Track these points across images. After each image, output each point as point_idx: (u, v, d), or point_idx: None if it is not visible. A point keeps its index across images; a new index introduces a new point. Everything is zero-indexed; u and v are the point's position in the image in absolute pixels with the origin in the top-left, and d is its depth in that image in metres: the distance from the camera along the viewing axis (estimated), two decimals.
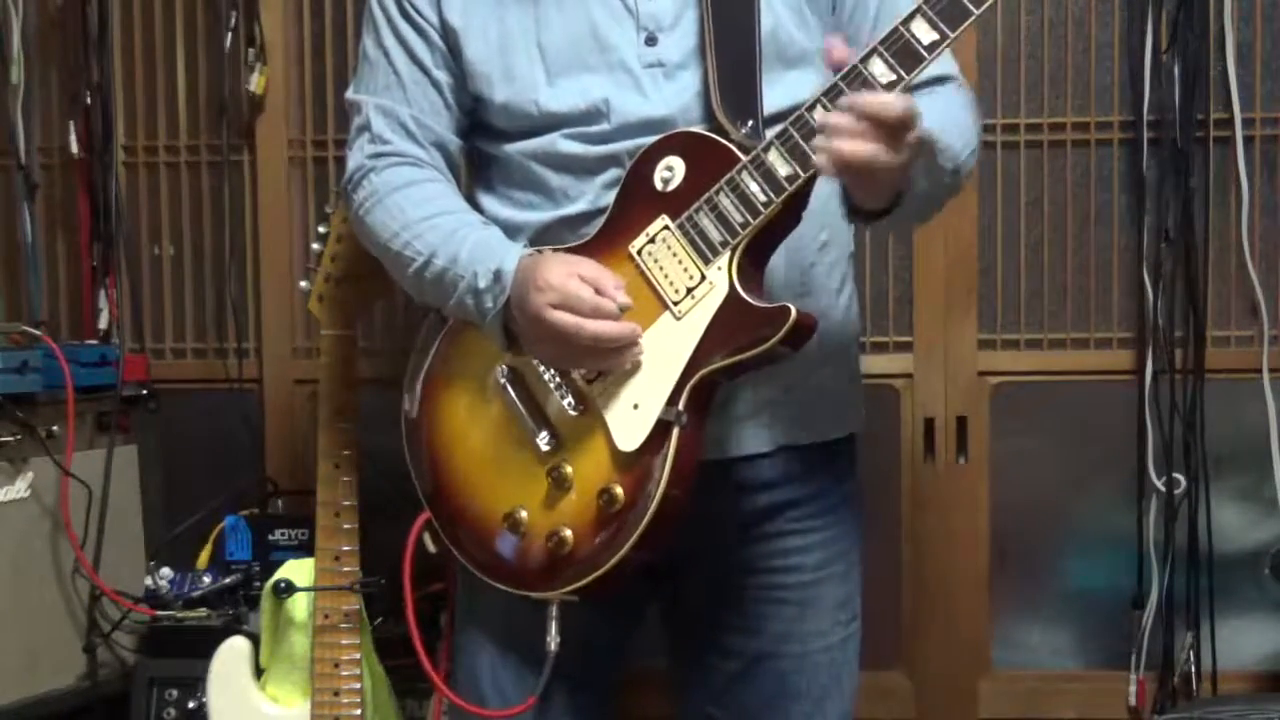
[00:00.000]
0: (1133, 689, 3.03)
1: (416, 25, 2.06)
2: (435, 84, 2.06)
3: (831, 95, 1.81)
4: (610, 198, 1.95)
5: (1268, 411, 2.97)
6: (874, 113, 1.73)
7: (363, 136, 2.10)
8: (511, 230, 2.03)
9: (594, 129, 1.98)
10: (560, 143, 1.99)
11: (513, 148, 2.04)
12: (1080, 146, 3.05)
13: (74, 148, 3.22)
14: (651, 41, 1.98)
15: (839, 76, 1.81)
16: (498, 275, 1.92)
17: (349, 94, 2.15)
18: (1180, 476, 3.00)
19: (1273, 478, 2.97)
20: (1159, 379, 3.00)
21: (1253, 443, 3.00)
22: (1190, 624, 3.01)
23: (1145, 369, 3.00)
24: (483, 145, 2.11)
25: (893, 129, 1.74)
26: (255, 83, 3.16)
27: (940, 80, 2.06)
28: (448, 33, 2.04)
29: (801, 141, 1.81)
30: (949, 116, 1.98)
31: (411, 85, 2.06)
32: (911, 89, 1.97)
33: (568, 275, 1.86)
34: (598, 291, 1.86)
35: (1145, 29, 2.96)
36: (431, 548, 2.08)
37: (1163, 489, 3.00)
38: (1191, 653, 3.00)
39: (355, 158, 2.10)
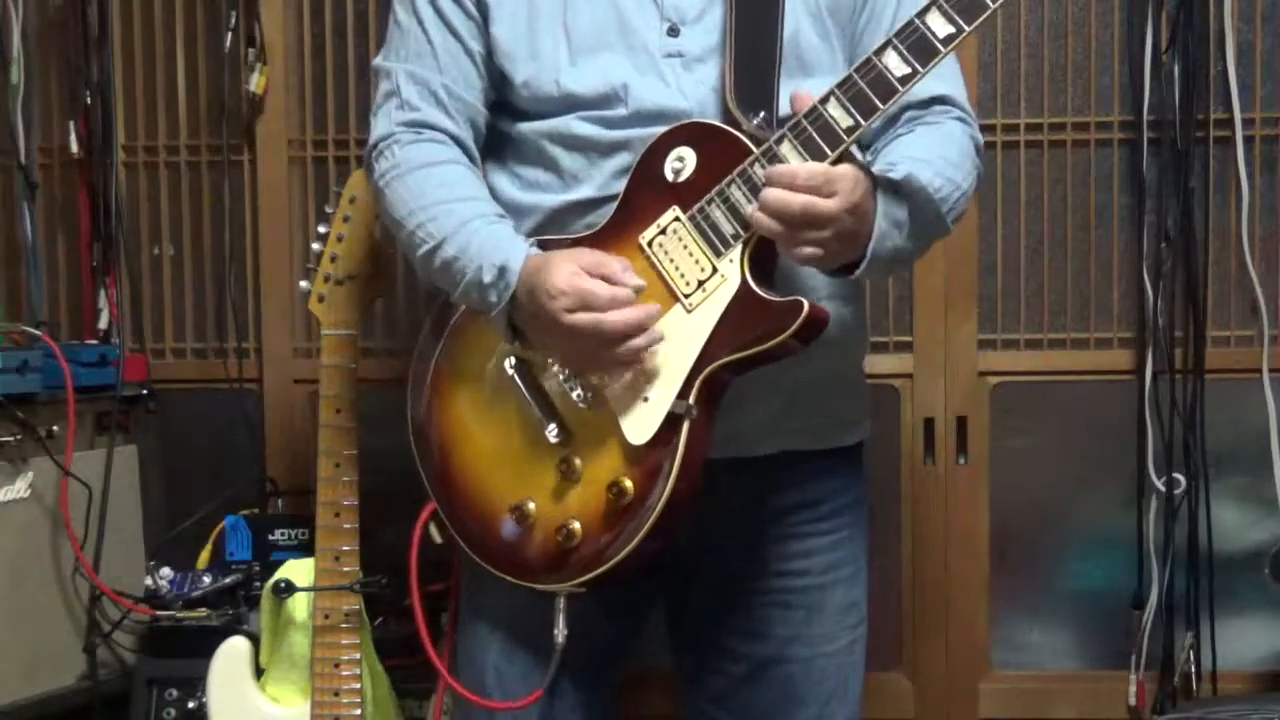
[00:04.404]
0: (1133, 689, 3.03)
1: None
2: (469, 53, 2.06)
3: (845, 89, 1.82)
4: (620, 186, 1.95)
5: (1268, 411, 2.98)
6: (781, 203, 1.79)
7: (390, 102, 2.09)
8: (522, 213, 2.04)
9: (610, 113, 1.98)
10: (575, 124, 2.00)
11: (528, 126, 2.04)
12: (1080, 146, 3.06)
13: (74, 148, 3.21)
14: (674, 32, 1.99)
15: (854, 69, 1.82)
16: (502, 271, 1.92)
17: (376, 61, 2.14)
18: (1180, 476, 3.00)
19: (1273, 478, 2.97)
20: (1159, 379, 3.00)
21: (1253, 443, 3.00)
22: (1190, 624, 3.01)
23: (1145, 369, 3.00)
24: (499, 124, 2.10)
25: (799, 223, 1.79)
26: (255, 83, 3.15)
27: (943, 103, 2.06)
28: (480, 5, 2.05)
29: (815, 134, 1.81)
30: (936, 152, 1.98)
31: (444, 54, 2.06)
32: (913, 109, 1.99)
33: (573, 274, 1.85)
34: (607, 279, 1.86)
35: (1145, 29, 2.96)
36: (438, 538, 2.08)
37: (1163, 489, 3.00)
38: (1191, 653, 3.00)
39: (381, 125, 2.09)
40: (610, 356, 1.87)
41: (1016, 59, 3.06)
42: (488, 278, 1.93)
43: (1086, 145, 3.05)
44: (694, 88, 1.97)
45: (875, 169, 1.92)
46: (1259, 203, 3.01)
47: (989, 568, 3.09)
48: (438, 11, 2.07)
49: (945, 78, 2.01)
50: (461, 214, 1.99)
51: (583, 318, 1.84)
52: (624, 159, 1.97)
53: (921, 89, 1.91)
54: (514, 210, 2.04)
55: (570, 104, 2.00)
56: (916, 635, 3.10)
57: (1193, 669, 3.01)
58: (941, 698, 3.10)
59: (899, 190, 1.89)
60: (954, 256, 3.04)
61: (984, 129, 2.93)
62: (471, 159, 2.08)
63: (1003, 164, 3.07)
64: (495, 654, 2.13)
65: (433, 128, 2.06)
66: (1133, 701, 3.03)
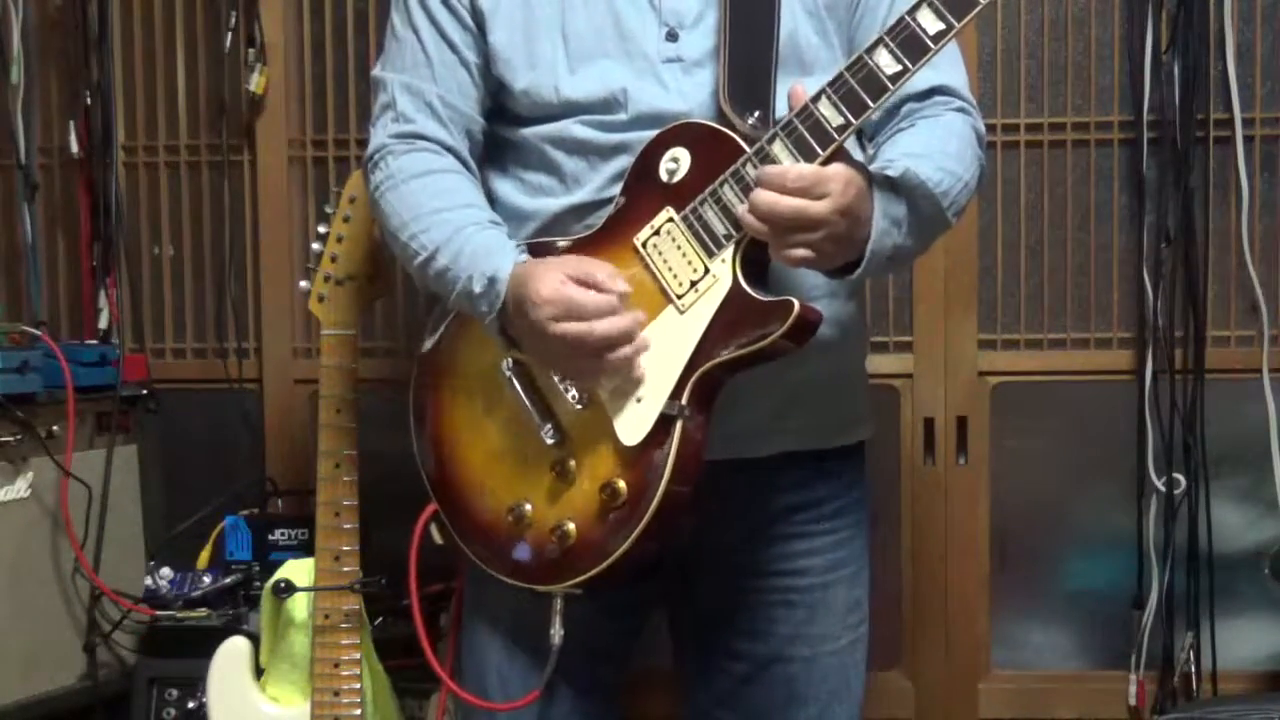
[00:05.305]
0: (1133, 689, 3.03)
1: (449, 4, 2.06)
2: (465, 64, 2.06)
3: (837, 87, 1.81)
4: (618, 189, 1.95)
5: (1268, 411, 2.97)
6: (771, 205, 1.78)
7: (386, 114, 2.09)
8: (522, 218, 2.04)
9: (610, 118, 1.98)
10: (575, 128, 2.00)
11: (528, 131, 2.04)
12: (1080, 146, 3.05)
13: (74, 148, 3.21)
14: (672, 37, 1.99)
15: (845, 67, 1.81)
16: (492, 281, 1.92)
17: (374, 71, 2.15)
18: (1180, 476, 3.00)
19: (1273, 478, 2.96)
20: (1159, 379, 3.00)
21: (1253, 443, 2.99)
22: (1190, 624, 3.01)
23: (1145, 369, 3.00)
24: (500, 130, 2.10)
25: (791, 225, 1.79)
26: (255, 83, 3.15)
27: (942, 93, 2.05)
28: (476, 15, 2.05)
29: (806, 133, 1.81)
30: (935, 145, 1.97)
31: (440, 65, 2.06)
32: (911, 101, 1.99)
33: (560, 283, 1.85)
34: (594, 287, 1.85)
35: (1145, 29, 2.96)
36: (438, 538, 2.08)
37: (1163, 489, 3.00)
38: (1191, 653, 3.00)
39: (377, 136, 2.09)
40: (598, 365, 1.87)
41: (1016, 59, 3.06)
42: (478, 288, 1.93)
43: (1086, 145, 3.05)
44: (694, 91, 1.97)
45: (873, 167, 1.92)
46: (1259, 203, 3.00)
47: (989, 568, 3.09)
48: (434, 22, 2.07)
49: (944, 68, 2.00)
50: (454, 222, 1.99)
51: (569, 327, 1.84)
52: (624, 161, 1.97)
53: (920, 80, 1.91)
54: (517, 216, 2.05)
55: (570, 110, 2.00)
56: (916, 635, 3.10)
57: (1193, 669, 3.00)
58: (941, 698, 3.09)
59: (896, 187, 1.89)
60: (954, 256, 3.04)
61: (984, 129, 2.94)
62: (468, 169, 2.08)
63: (1003, 164, 3.06)
64: (498, 655, 2.13)
65: (427, 139, 2.06)
66: (1133, 701, 3.03)
